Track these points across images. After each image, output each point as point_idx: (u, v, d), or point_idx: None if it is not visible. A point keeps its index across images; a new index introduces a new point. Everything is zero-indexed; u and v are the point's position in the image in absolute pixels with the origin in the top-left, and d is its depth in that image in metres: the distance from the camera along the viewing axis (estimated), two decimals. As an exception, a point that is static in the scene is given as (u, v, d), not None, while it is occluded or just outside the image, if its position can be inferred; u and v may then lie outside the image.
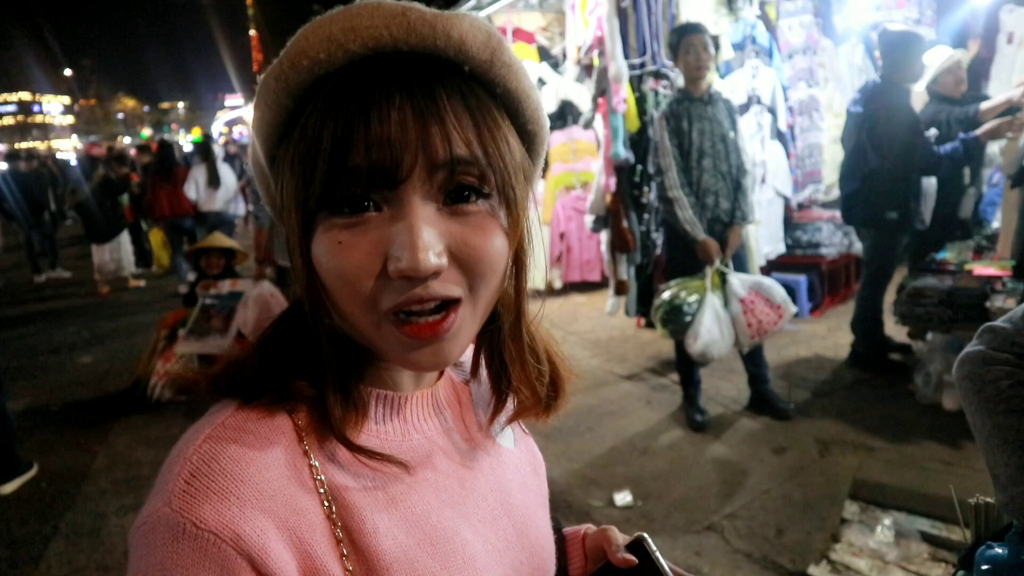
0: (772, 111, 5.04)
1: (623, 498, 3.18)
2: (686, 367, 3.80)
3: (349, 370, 0.62)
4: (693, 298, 3.48)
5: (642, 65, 4.62)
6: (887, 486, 3.05)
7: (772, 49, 5.15)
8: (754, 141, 4.90)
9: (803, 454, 3.42)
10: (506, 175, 0.57)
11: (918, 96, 4.27)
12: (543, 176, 6.65)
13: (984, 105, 3.93)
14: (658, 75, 4.61)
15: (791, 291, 5.13)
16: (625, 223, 4.51)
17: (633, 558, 0.72)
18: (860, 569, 2.59)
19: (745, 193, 3.55)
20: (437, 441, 0.68)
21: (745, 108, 4.92)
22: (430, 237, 0.53)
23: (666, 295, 3.56)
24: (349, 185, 0.53)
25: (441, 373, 0.72)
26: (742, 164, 3.56)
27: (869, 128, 3.89)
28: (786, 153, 5.20)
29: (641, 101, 4.56)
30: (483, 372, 0.73)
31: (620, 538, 0.78)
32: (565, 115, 6.50)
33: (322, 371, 0.60)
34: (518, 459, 0.78)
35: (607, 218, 4.61)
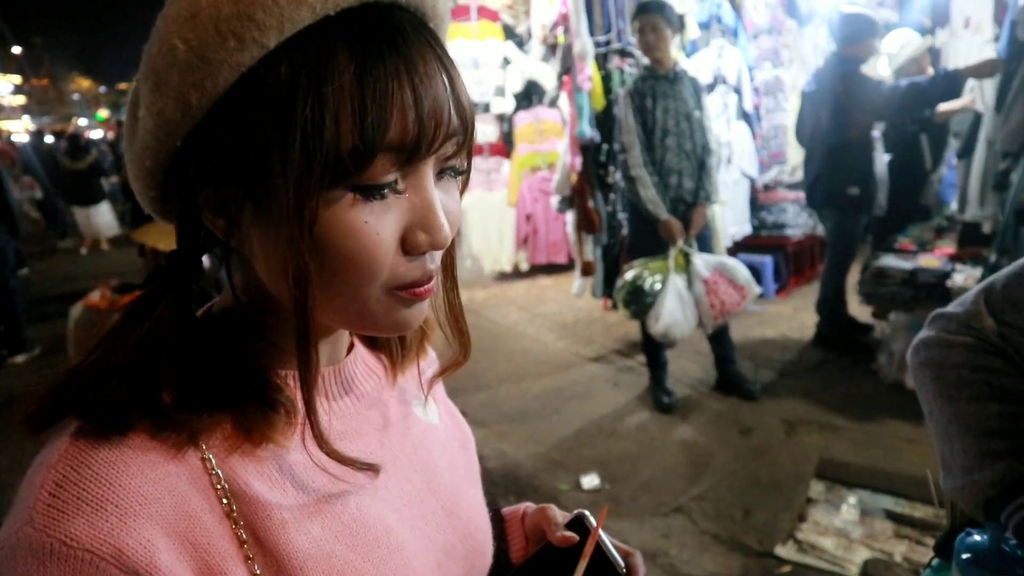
0: (738, 91, 5.02)
1: (590, 481, 3.16)
2: (652, 348, 3.78)
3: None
4: (656, 279, 3.45)
5: (607, 43, 4.56)
6: (852, 465, 3.06)
7: (738, 29, 5.13)
8: (719, 121, 4.88)
9: (769, 434, 3.42)
10: (473, 144, 0.56)
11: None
12: (508, 157, 6.63)
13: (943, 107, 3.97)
14: (624, 53, 4.55)
15: (757, 272, 5.16)
16: (591, 203, 4.46)
17: (574, 536, 0.69)
18: (826, 548, 2.59)
19: (709, 173, 3.52)
20: (350, 421, 0.61)
21: (711, 88, 4.89)
22: (441, 210, 0.52)
23: (628, 275, 3.53)
24: (383, 164, 0.47)
25: (351, 346, 0.65)
26: (707, 143, 3.52)
27: (831, 101, 3.90)
28: (752, 134, 5.20)
29: (607, 79, 4.50)
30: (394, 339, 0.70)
31: (560, 516, 0.74)
32: (531, 95, 6.42)
33: (247, 367, 0.54)
34: (444, 435, 0.73)
35: (572, 198, 4.56)
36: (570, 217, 4.74)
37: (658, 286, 3.44)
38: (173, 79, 0.47)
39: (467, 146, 0.54)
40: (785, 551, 2.59)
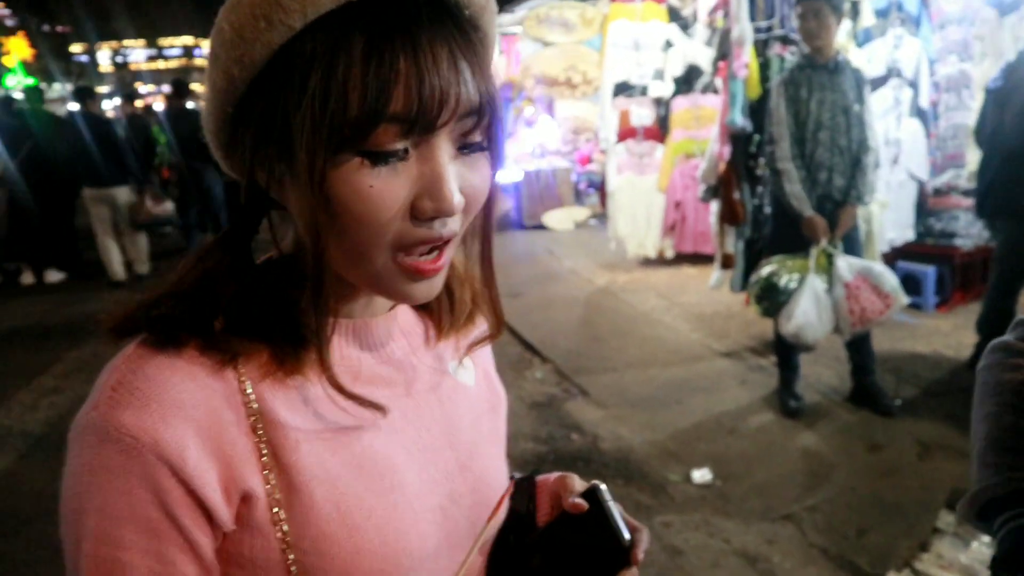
0: (914, 85, 4.64)
1: (702, 475, 3.12)
2: (784, 349, 3.63)
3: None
4: (792, 277, 3.31)
5: (769, 29, 4.36)
6: (991, 499, 2.81)
7: (921, 17, 4.72)
8: (889, 117, 4.54)
9: (901, 454, 3.21)
10: (502, 124, 0.60)
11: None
12: (663, 141, 6.51)
13: None
14: (786, 40, 4.33)
15: (916, 282, 4.79)
16: (736, 195, 4.33)
17: (583, 503, 0.71)
18: (946, 583, 2.42)
19: (864, 171, 3.31)
20: (379, 370, 0.68)
21: (882, 81, 4.55)
22: (453, 180, 0.55)
23: (764, 271, 3.41)
24: (389, 133, 0.53)
25: (392, 308, 0.71)
26: (865, 140, 3.31)
27: (1018, 100, 3.52)
28: (926, 133, 4.79)
29: (765, 67, 4.32)
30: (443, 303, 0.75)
31: (578, 485, 0.77)
32: (691, 80, 6.26)
33: (284, 308, 0.61)
34: (475, 396, 0.78)
35: (718, 188, 4.44)
36: (714, 207, 4.62)
37: (793, 285, 3.31)
38: (222, 55, 0.55)
39: (487, 126, 0.58)
40: (898, 578, 2.45)
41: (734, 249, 4.50)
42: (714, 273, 4.76)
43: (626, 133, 6.67)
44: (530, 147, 9.35)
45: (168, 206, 7.03)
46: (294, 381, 0.61)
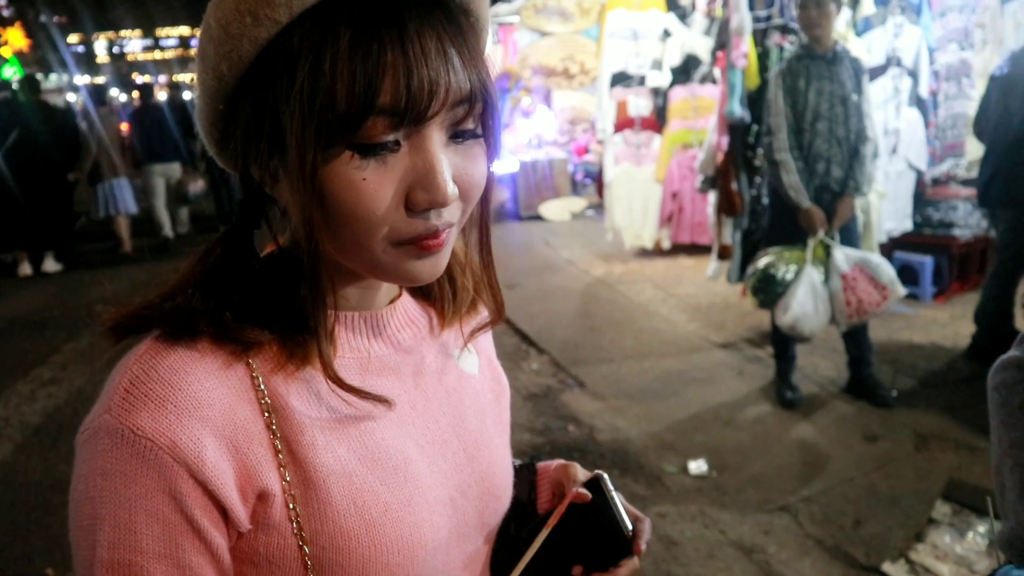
0: (913, 75, 4.61)
1: (698, 467, 3.12)
2: (780, 341, 3.63)
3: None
4: (789, 268, 3.30)
5: (768, 18, 4.34)
6: (988, 491, 2.80)
7: (922, 5, 4.69)
8: (888, 107, 4.51)
9: (897, 446, 3.21)
10: (496, 111, 0.59)
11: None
12: (660, 132, 6.48)
13: None
14: (785, 29, 4.31)
15: (914, 272, 4.79)
16: (734, 185, 4.31)
17: (587, 493, 0.72)
18: (942, 574, 2.42)
19: (862, 162, 3.29)
20: (386, 361, 0.67)
21: (882, 70, 4.52)
22: (447, 170, 0.54)
23: (761, 263, 3.40)
24: (378, 126, 0.52)
25: (399, 294, 0.71)
26: (863, 130, 3.30)
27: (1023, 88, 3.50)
28: (924, 122, 4.76)
29: (764, 57, 4.29)
30: (446, 290, 0.75)
31: (580, 474, 0.78)
32: (689, 69, 6.23)
33: (288, 303, 0.60)
34: (480, 386, 0.78)
35: (716, 179, 4.42)
36: (712, 198, 4.60)
37: (790, 276, 3.30)
38: (210, 52, 0.54)
39: (481, 114, 0.57)
40: (894, 569, 2.45)
41: (731, 240, 4.49)
42: (711, 264, 4.75)
43: (623, 123, 6.64)
44: (527, 138, 9.31)
45: (201, 185, 8.31)
46: (304, 374, 0.61)
